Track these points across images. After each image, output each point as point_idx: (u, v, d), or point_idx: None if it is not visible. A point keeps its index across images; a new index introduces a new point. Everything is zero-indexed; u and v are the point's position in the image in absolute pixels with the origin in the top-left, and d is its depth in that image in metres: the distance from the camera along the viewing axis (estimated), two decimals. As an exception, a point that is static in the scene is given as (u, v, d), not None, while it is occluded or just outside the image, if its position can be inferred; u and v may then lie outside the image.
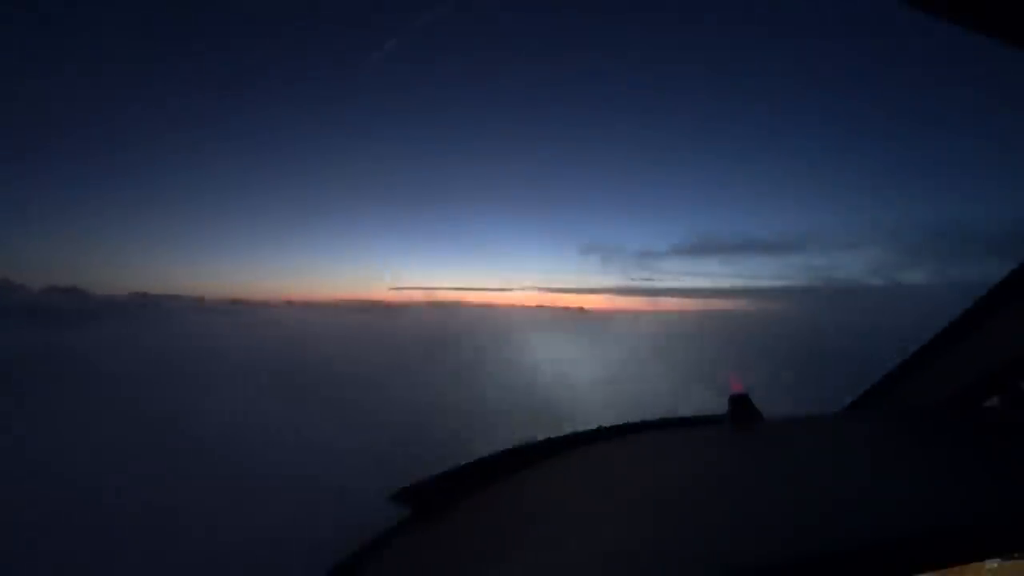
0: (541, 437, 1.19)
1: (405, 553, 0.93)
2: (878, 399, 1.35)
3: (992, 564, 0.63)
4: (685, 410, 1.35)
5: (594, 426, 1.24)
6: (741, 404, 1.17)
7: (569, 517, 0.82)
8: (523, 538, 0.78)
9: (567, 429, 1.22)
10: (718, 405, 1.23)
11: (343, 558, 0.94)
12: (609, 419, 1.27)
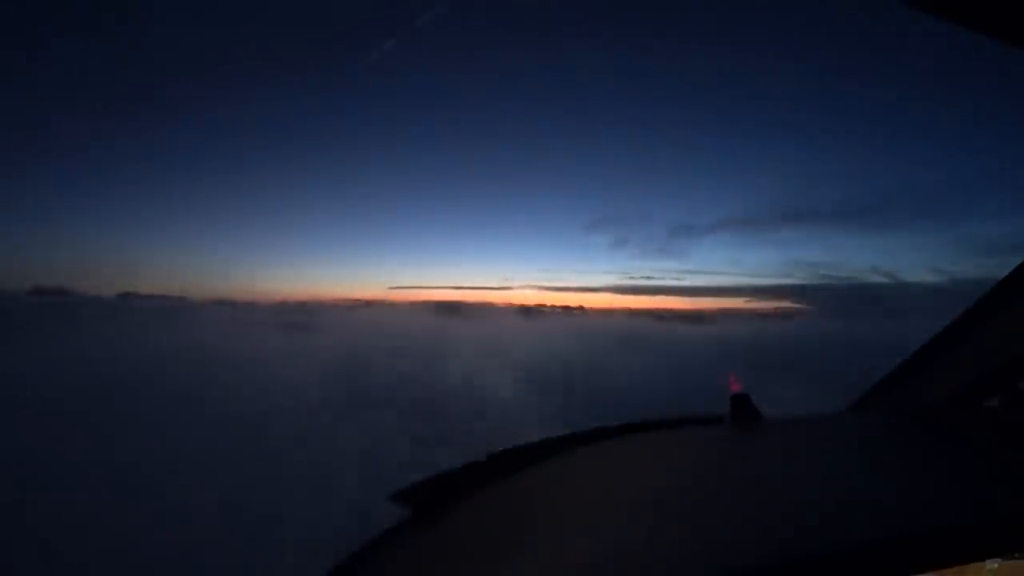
0: (540, 437, 1.19)
1: (405, 553, 0.93)
2: (878, 399, 1.35)
3: (992, 564, 0.63)
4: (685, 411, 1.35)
5: (594, 426, 1.24)
6: (741, 404, 1.18)
7: (569, 517, 0.82)
8: (523, 538, 0.78)
9: (566, 429, 1.21)
10: (718, 405, 1.23)
11: (343, 558, 0.94)
12: (608, 420, 1.27)
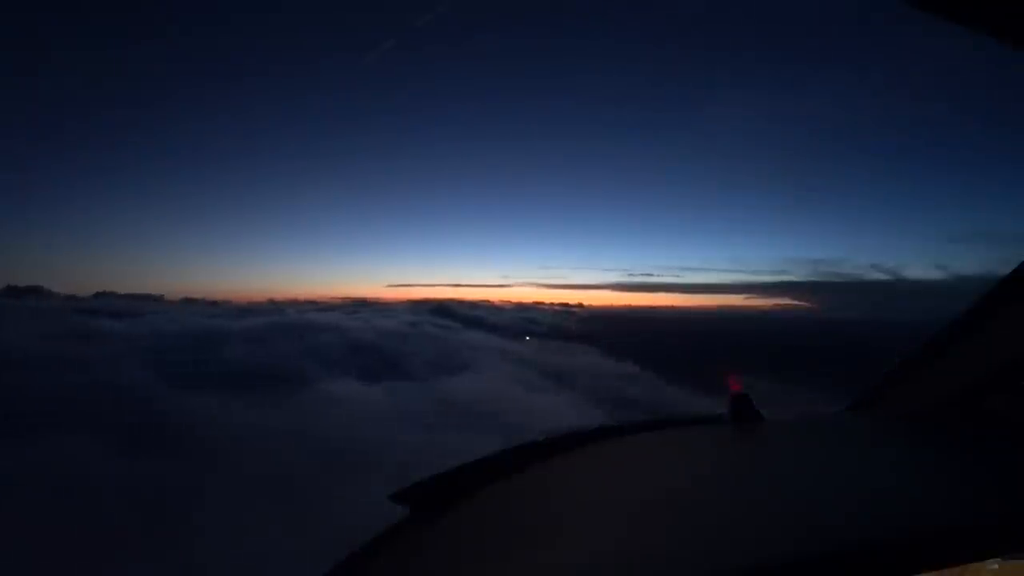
0: (541, 437, 1.19)
1: (405, 553, 0.93)
2: (878, 399, 1.35)
3: (992, 564, 0.63)
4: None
5: (594, 426, 1.24)
6: (741, 404, 1.18)
7: (569, 517, 0.82)
8: (523, 538, 0.78)
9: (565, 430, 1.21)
10: (718, 405, 1.23)
11: (343, 558, 0.93)
12: (608, 420, 1.26)
